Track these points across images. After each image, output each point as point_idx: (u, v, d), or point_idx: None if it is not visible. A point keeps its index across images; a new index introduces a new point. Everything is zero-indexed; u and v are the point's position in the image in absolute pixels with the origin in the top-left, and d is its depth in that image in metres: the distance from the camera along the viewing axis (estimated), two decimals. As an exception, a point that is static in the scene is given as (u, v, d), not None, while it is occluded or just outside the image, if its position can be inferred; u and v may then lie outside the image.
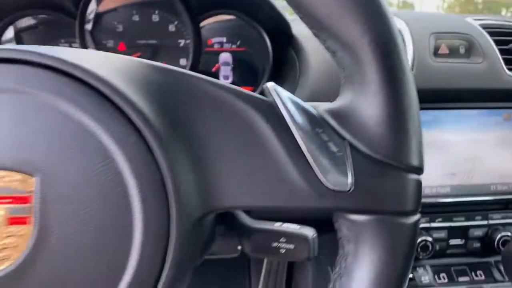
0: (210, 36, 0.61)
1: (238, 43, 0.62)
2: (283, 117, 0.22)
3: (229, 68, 0.62)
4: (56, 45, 0.59)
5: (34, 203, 0.19)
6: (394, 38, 0.21)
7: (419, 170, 0.23)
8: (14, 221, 0.19)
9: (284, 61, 0.58)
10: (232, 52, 0.62)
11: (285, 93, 0.23)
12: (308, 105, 0.24)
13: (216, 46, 0.62)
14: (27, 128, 0.19)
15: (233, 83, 0.62)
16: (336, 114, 0.23)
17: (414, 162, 0.22)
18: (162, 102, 0.21)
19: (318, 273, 0.73)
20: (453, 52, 0.57)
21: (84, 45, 0.56)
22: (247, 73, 0.63)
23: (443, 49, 0.57)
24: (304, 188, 0.22)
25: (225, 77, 0.62)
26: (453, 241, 0.58)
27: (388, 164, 0.22)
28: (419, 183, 0.23)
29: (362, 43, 0.21)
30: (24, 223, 0.19)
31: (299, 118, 0.23)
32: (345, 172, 0.22)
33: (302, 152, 0.22)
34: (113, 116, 0.19)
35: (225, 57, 0.62)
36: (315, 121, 0.23)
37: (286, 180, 0.22)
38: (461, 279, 0.57)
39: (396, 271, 0.23)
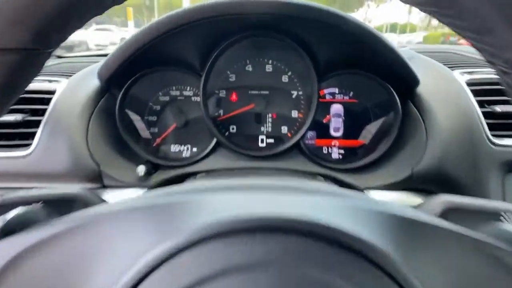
0: (322, 87, 0.59)
1: (351, 94, 0.59)
2: None
3: (340, 120, 0.60)
4: (168, 92, 0.59)
5: None
6: None
7: None
8: None
9: (406, 118, 0.55)
10: (344, 104, 0.60)
11: None
12: None
13: (327, 97, 0.59)
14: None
15: (343, 135, 0.60)
16: None
17: None
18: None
19: None
20: None
21: (204, 97, 0.55)
22: (357, 125, 0.60)
23: None
24: None
25: (336, 129, 0.60)
26: None
27: None
28: None
29: None
30: None
31: None
32: None
33: None
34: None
35: (337, 108, 0.60)
36: None
37: None
38: None
39: None
